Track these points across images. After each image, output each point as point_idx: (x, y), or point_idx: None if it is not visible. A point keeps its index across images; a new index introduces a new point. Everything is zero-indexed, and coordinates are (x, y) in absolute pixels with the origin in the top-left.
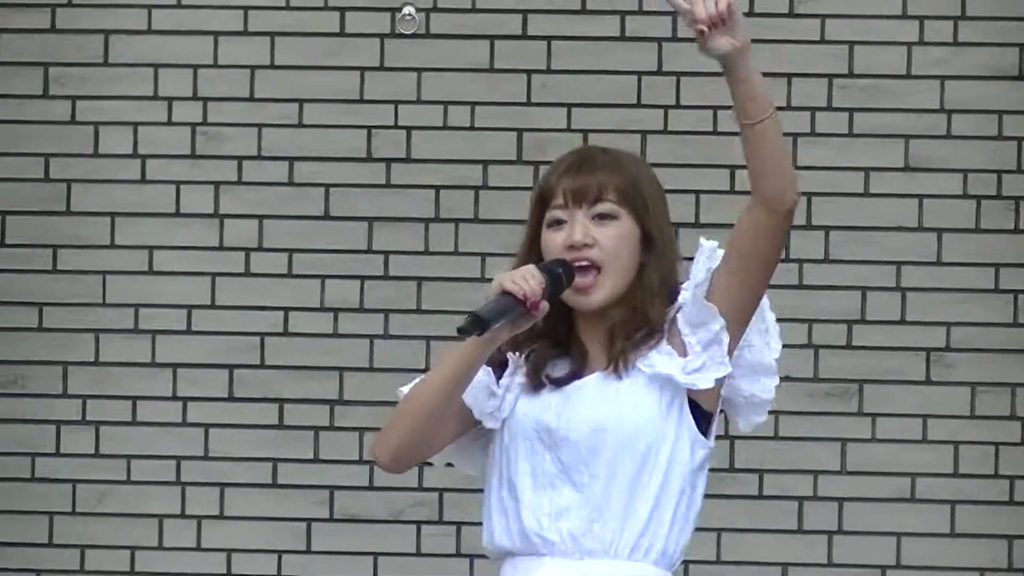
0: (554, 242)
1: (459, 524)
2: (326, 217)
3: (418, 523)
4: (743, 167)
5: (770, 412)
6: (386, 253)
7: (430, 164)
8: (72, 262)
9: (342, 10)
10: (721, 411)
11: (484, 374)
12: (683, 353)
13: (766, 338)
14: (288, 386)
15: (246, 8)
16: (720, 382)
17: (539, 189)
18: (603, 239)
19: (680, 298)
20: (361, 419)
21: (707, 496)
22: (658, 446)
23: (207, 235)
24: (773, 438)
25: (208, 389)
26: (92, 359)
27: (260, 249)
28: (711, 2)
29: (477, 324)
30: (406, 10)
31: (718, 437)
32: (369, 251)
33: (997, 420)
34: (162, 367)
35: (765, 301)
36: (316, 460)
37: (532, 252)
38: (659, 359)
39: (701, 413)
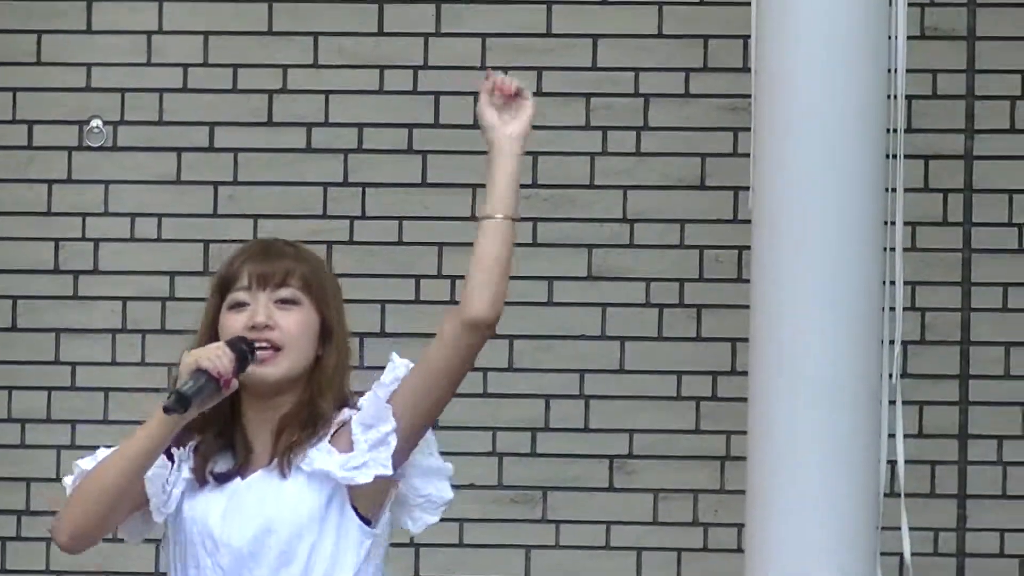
0: (235, 323)
1: None
2: (13, 329)
3: None
4: (428, 276)
5: (455, 519)
6: (73, 364)
7: (117, 276)
8: None
9: (30, 123)
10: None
11: (161, 467)
12: (347, 450)
13: (429, 447)
14: None
15: None
16: (384, 484)
17: (220, 274)
18: (284, 323)
19: (362, 399)
20: (48, 530)
21: None
22: (321, 545)
23: None
24: (458, 545)
25: None
26: None
27: None
28: (509, 78)
29: (181, 402)
30: (94, 123)
31: (402, 544)
32: (57, 362)
33: (680, 526)
34: None
35: None
36: (3, 571)
37: (209, 334)
38: (318, 456)
39: (359, 516)
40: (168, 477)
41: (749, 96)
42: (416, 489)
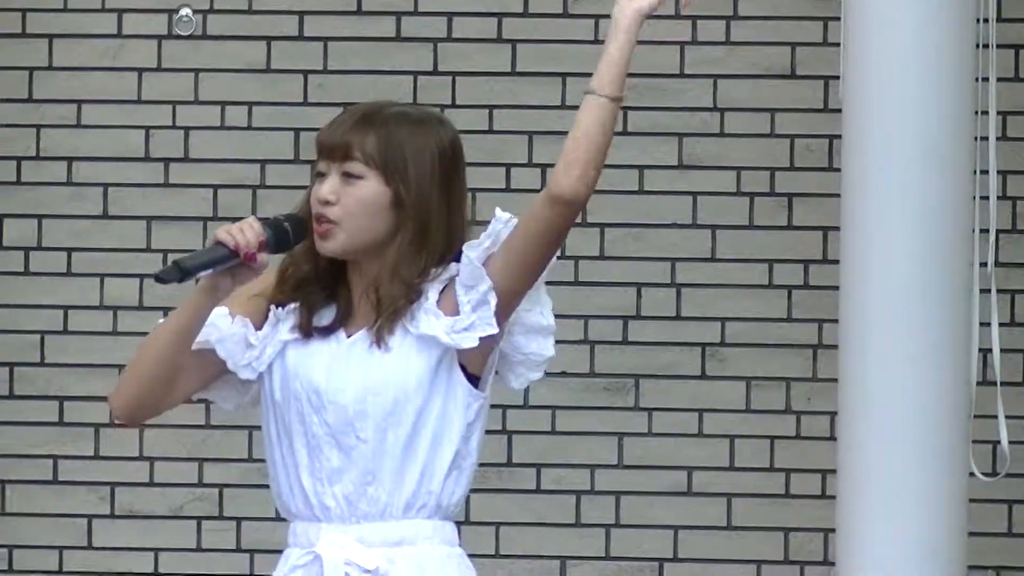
0: (313, 193)
1: (239, 519)
2: (105, 216)
3: (198, 519)
4: (519, 165)
5: (547, 407)
6: (164, 252)
7: (208, 164)
8: None
9: (119, 12)
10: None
11: (241, 326)
12: (453, 312)
13: (539, 307)
14: (68, 384)
15: (24, 10)
16: (490, 343)
17: (315, 140)
18: (345, 199)
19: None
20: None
21: (484, 490)
22: (428, 407)
23: None
24: (550, 432)
25: None
26: None
27: (39, 248)
28: None
29: (175, 272)
30: (183, 11)
31: (494, 432)
32: (148, 250)
33: (772, 414)
34: None
35: (542, 277)
36: (96, 457)
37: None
38: (425, 319)
39: (467, 374)
40: (252, 333)
41: None
42: (518, 347)
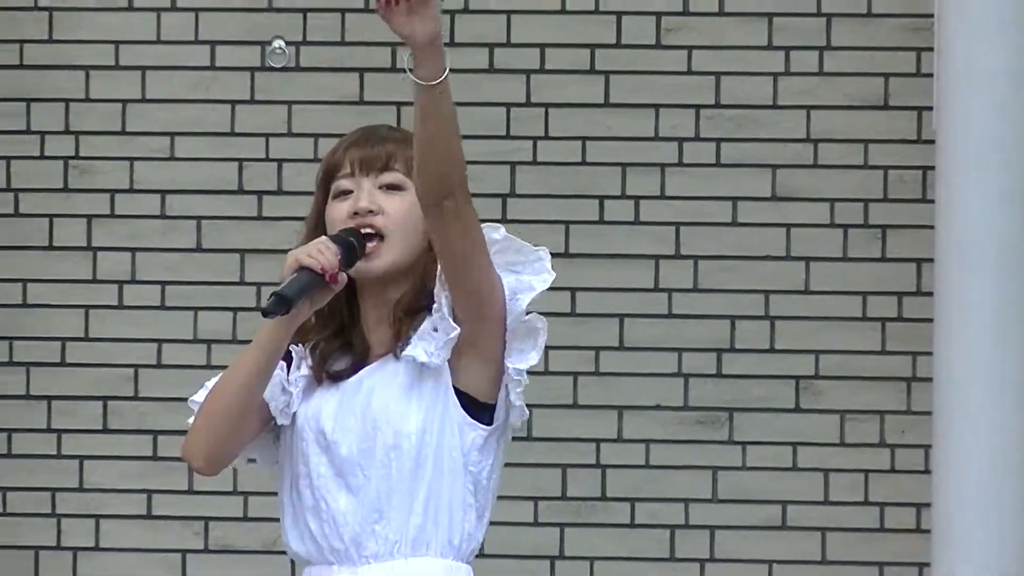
0: (339, 212)
1: None
2: (198, 249)
3: None
4: (611, 197)
5: (641, 440)
6: (258, 285)
7: (301, 196)
8: None
9: (212, 43)
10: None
11: (278, 369)
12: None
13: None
14: (162, 418)
15: (117, 42)
16: (491, 371)
17: (325, 163)
18: (389, 207)
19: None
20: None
21: (579, 525)
22: (428, 438)
23: (80, 268)
24: (644, 467)
25: (82, 421)
26: None
27: (133, 282)
28: None
29: (281, 303)
30: (276, 43)
31: (589, 465)
32: (241, 283)
33: (867, 447)
34: (36, 399)
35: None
36: (190, 491)
37: (318, 227)
38: (415, 344)
39: (476, 403)
40: (287, 378)
41: (932, 15)
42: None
